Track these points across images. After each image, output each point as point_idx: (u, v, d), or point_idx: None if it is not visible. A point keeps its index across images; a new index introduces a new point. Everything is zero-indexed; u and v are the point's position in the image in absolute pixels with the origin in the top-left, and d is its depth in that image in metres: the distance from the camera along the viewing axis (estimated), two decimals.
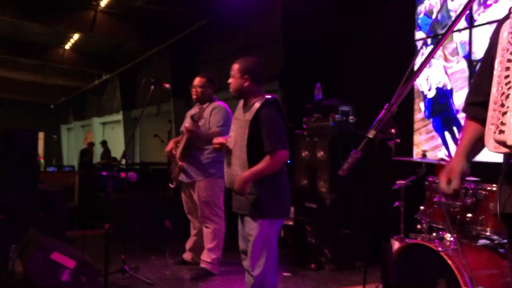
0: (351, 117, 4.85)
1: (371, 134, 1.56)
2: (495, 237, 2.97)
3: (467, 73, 4.74)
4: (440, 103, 5.08)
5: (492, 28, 2.88)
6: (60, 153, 26.05)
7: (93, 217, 7.51)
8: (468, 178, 3.19)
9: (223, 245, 4.46)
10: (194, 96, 4.50)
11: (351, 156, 1.56)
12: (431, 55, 1.67)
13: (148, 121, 15.84)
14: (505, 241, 2.70)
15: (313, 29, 6.32)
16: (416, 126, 5.33)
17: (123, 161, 4.61)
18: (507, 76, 1.59)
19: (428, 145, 5.16)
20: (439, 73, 5.08)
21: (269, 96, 3.04)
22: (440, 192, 3.06)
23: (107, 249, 3.62)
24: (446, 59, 5.00)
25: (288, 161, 3.07)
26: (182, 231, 4.95)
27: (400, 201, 3.80)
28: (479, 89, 1.84)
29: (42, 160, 18.80)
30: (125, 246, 4.27)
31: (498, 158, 1.77)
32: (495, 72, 1.67)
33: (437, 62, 5.06)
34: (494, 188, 2.85)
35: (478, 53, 4.60)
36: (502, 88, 1.61)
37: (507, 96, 1.58)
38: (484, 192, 2.94)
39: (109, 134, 20.81)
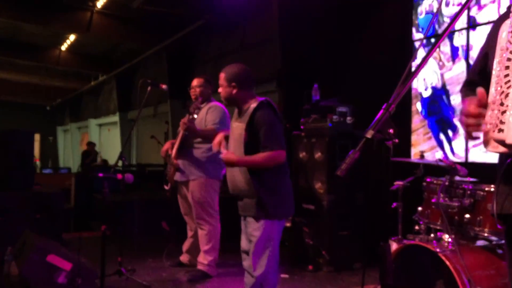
0: (348, 118, 4.85)
1: (369, 134, 1.54)
2: (493, 238, 2.97)
3: (464, 74, 4.75)
4: (435, 103, 5.08)
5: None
6: (56, 155, 25.93)
7: (90, 219, 7.49)
8: (466, 179, 3.19)
9: (219, 246, 4.45)
10: (193, 97, 4.50)
11: (349, 157, 1.54)
12: (429, 55, 1.65)
13: (145, 122, 15.79)
14: (503, 242, 2.69)
15: (310, 29, 6.32)
16: (413, 126, 5.33)
17: (120, 163, 4.59)
18: (506, 75, 1.57)
19: (427, 144, 5.16)
20: (434, 73, 5.08)
21: (263, 99, 3.04)
22: (439, 192, 3.06)
23: (104, 251, 3.60)
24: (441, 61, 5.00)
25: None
26: (179, 232, 4.93)
27: (398, 202, 3.79)
28: (470, 73, 1.89)
29: (38, 162, 18.72)
30: (121, 248, 4.26)
31: (496, 159, 1.76)
32: (493, 72, 1.65)
33: (432, 62, 5.07)
34: (492, 189, 2.84)
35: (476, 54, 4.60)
36: (501, 87, 1.58)
37: (507, 95, 1.56)
38: (482, 193, 2.93)
39: (105, 135, 20.76)
